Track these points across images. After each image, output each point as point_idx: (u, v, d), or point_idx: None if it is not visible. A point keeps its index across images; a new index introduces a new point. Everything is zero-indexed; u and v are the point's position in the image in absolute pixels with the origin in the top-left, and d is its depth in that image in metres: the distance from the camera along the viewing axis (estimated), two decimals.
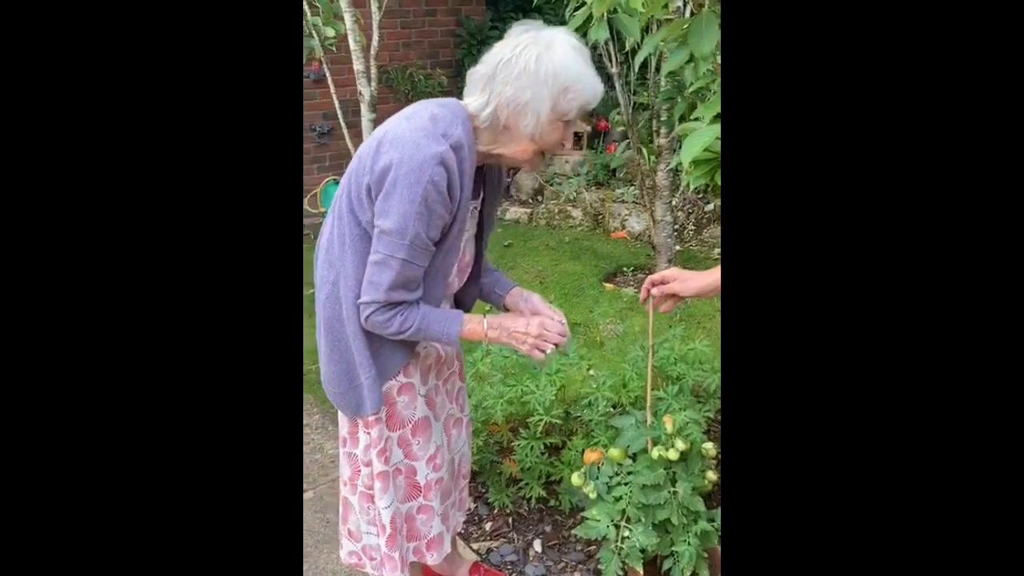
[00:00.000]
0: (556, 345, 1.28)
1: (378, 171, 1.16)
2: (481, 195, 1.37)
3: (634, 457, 1.63)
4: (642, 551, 1.54)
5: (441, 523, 1.50)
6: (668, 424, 1.60)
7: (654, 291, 1.44)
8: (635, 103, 3.88)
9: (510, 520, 2.05)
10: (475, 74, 1.20)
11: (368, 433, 1.35)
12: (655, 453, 1.58)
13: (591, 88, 1.18)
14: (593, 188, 4.65)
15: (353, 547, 1.52)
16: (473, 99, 1.21)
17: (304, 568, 1.91)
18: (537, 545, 1.97)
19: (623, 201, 4.43)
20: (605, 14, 2.38)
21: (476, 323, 1.27)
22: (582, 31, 2.46)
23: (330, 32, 3.72)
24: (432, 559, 1.50)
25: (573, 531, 1.96)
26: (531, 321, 1.28)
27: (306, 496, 2.20)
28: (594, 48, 2.56)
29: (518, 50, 1.16)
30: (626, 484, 1.58)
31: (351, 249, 1.23)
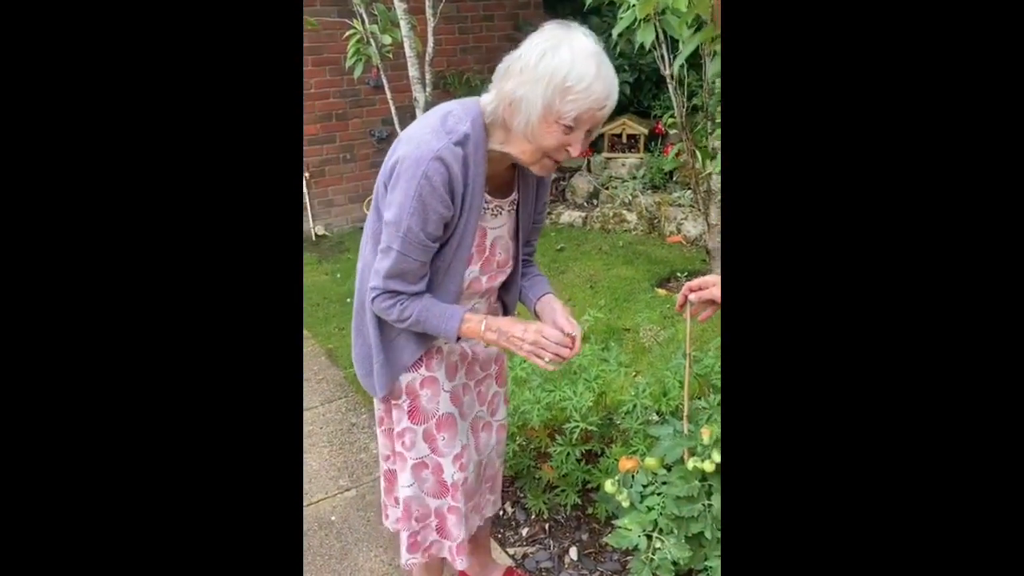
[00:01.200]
0: (559, 356, 1.24)
1: (389, 167, 1.21)
2: (514, 195, 1.35)
3: (669, 467, 1.59)
4: (674, 563, 1.50)
5: (465, 523, 1.52)
6: (705, 435, 1.55)
7: (692, 297, 1.40)
8: (691, 105, 3.79)
9: (547, 526, 2.04)
10: (496, 71, 1.19)
11: (391, 415, 1.43)
12: (691, 464, 1.53)
13: (598, 94, 1.11)
14: (649, 191, 4.58)
15: (397, 514, 1.56)
16: (488, 95, 1.21)
17: (343, 566, 1.95)
18: (573, 553, 1.95)
19: (679, 205, 4.35)
20: (653, 16, 2.35)
21: (476, 323, 1.27)
22: (629, 33, 2.43)
23: (387, 39, 3.79)
24: (460, 564, 1.52)
25: (603, 539, 1.93)
26: (529, 327, 1.25)
27: (348, 494, 2.24)
28: (642, 50, 2.52)
29: (529, 46, 1.13)
30: (659, 494, 1.55)
31: (372, 240, 1.30)
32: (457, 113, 1.20)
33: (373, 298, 1.27)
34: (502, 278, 1.42)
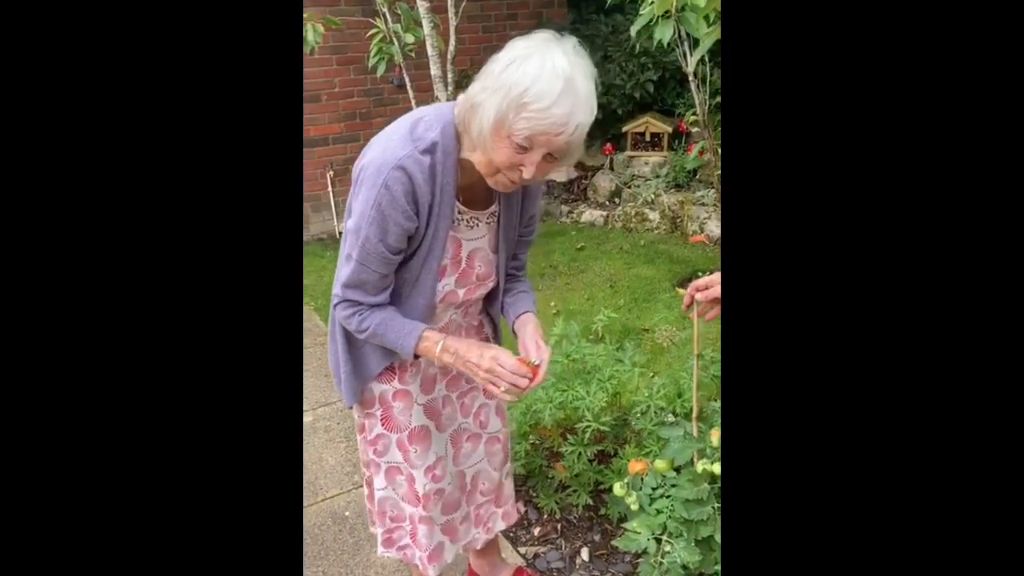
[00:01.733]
0: (516, 386, 1.17)
1: (357, 171, 1.17)
2: (494, 207, 1.28)
3: (679, 469, 1.58)
4: (683, 567, 1.48)
5: (442, 534, 1.49)
6: (714, 437, 1.53)
7: (698, 296, 1.38)
8: (714, 103, 3.75)
9: (559, 526, 2.03)
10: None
11: (364, 423, 1.42)
12: (700, 467, 1.51)
13: (556, 118, 1.01)
14: (672, 190, 4.54)
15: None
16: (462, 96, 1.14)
17: (355, 560, 1.97)
18: (584, 553, 1.94)
19: (702, 204, 4.30)
20: (673, 12, 2.32)
21: (433, 343, 1.21)
22: (648, 31, 2.40)
23: (409, 38, 3.81)
24: (433, 571, 1.50)
25: (612, 542, 1.92)
26: (485, 353, 1.18)
27: (362, 490, 2.25)
28: (662, 47, 2.49)
29: (505, 51, 1.05)
30: (668, 497, 1.53)
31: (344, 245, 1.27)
32: (428, 119, 1.15)
33: (334, 305, 1.24)
34: (483, 291, 1.35)
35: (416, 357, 1.24)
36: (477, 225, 1.27)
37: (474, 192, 1.22)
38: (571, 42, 1.06)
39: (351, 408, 1.40)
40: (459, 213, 1.23)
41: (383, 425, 1.39)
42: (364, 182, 1.13)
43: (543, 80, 1.00)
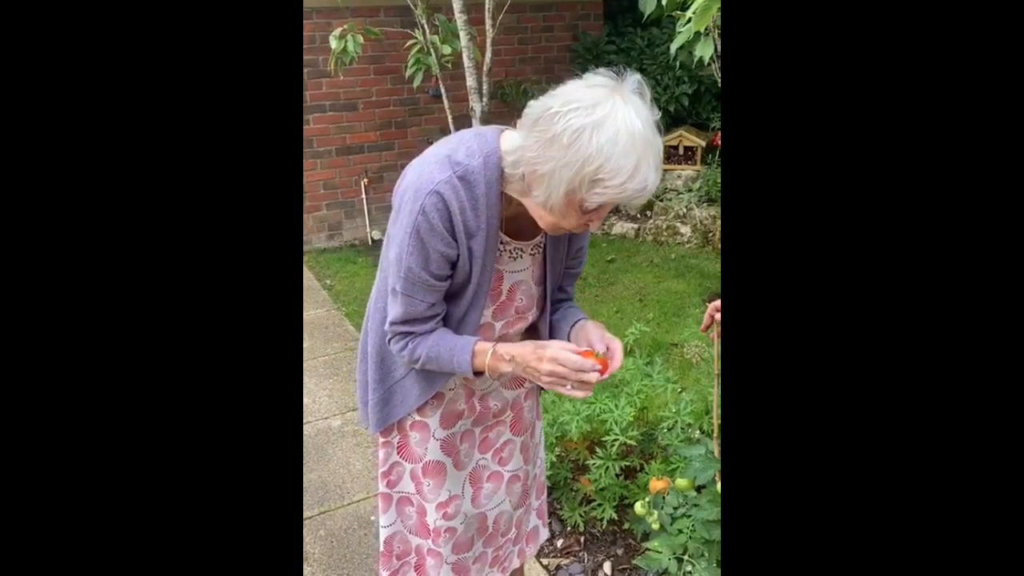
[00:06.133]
0: (583, 382, 1.09)
1: (397, 195, 1.13)
2: (540, 237, 1.22)
3: (700, 489, 1.58)
4: None
5: (452, 573, 1.43)
6: None
7: (718, 316, 1.38)
8: None
9: (582, 539, 2.04)
10: (531, 108, 1.02)
11: (379, 452, 1.39)
12: (721, 487, 1.52)
13: (631, 191, 0.96)
14: (704, 204, 4.52)
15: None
16: (514, 136, 1.06)
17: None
18: (607, 567, 1.95)
19: None
20: (712, 28, 2.32)
21: (484, 355, 1.14)
22: (688, 48, 2.41)
23: (447, 49, 3.87)
24: None
25: (633, 561, 1.92)
26: (543, 356, 1.09)
27: None
28: (701, 62, 2.49)
29: (569, 107, 0.96)
30: (689, 516, 1.53)
31: (383, 270, 1.23)
32: (472, 146, 1.09)
33: (388, 340, 1.20)
34: (522, 325, 1.29)
35: (477, 374, 1.16)
36: (521, 256, 1.21)
37: (519, 223, 1.17)
38: (632, 83, 0.99)
39: (373, 431, 1.36)
40: (501, 243, 1.17)
41: (399, 453, 1.36)
42: (402, 208, 1.10)
43: (619, 152, 0.94)
